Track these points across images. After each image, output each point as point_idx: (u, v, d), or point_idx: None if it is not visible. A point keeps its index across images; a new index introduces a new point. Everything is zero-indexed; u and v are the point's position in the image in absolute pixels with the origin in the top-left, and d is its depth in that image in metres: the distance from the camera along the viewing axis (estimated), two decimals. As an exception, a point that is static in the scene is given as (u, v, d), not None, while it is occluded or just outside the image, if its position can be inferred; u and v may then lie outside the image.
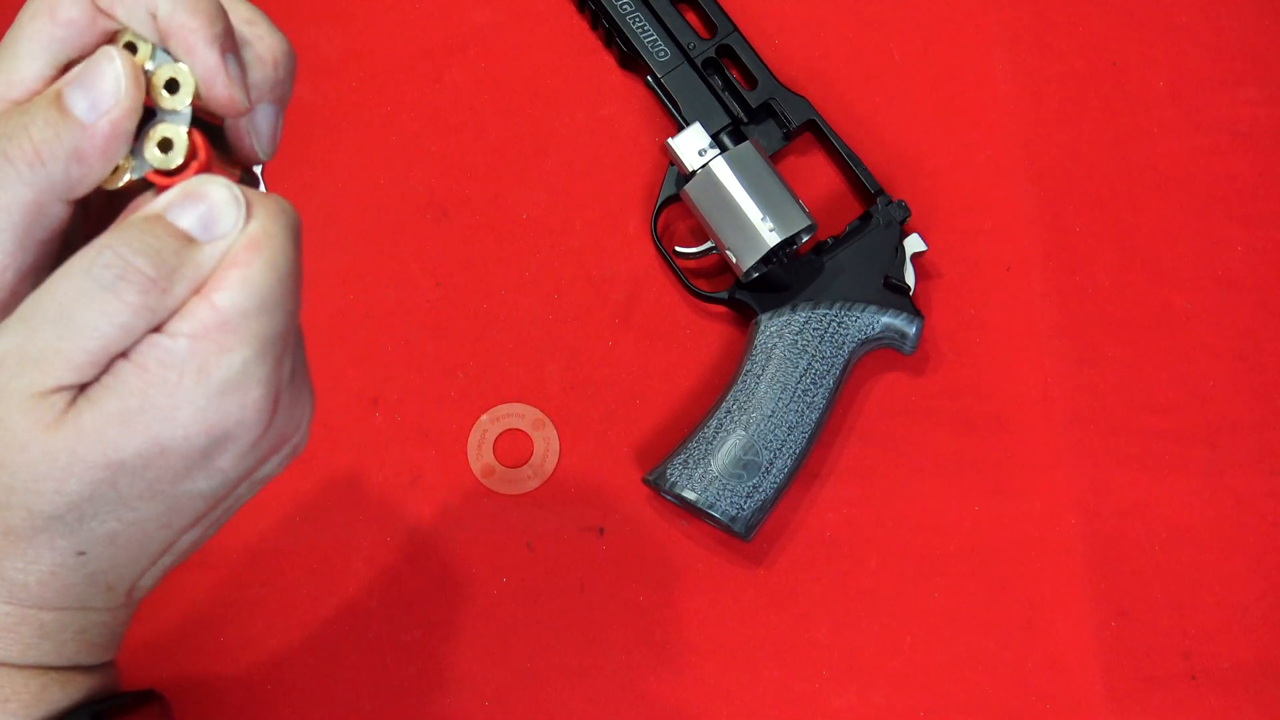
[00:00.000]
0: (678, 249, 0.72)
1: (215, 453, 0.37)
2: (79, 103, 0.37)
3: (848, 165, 0.72)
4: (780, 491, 0.67)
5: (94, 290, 0.35)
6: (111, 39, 0.39)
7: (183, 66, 0.38)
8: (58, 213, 0.37)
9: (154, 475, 0.37)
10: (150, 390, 0.35)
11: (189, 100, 0.39)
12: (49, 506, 0.36)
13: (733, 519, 0.66)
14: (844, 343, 0.68)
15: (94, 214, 0.40)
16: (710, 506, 0.66)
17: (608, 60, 0.75)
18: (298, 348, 0.40)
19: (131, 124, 0.37)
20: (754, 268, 0.68)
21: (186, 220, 0.37)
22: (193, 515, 0.39)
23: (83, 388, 0.36)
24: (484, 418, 0.71)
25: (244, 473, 0.39)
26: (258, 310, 0.36)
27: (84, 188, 0.37)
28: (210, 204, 0.37)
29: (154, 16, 0.38)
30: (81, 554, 0.38)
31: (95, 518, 0.37)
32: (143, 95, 0.38)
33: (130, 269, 0.35)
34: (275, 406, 0.38)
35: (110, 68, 0.37)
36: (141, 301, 0.35)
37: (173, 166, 0.38)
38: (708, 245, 0.71)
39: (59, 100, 0.36)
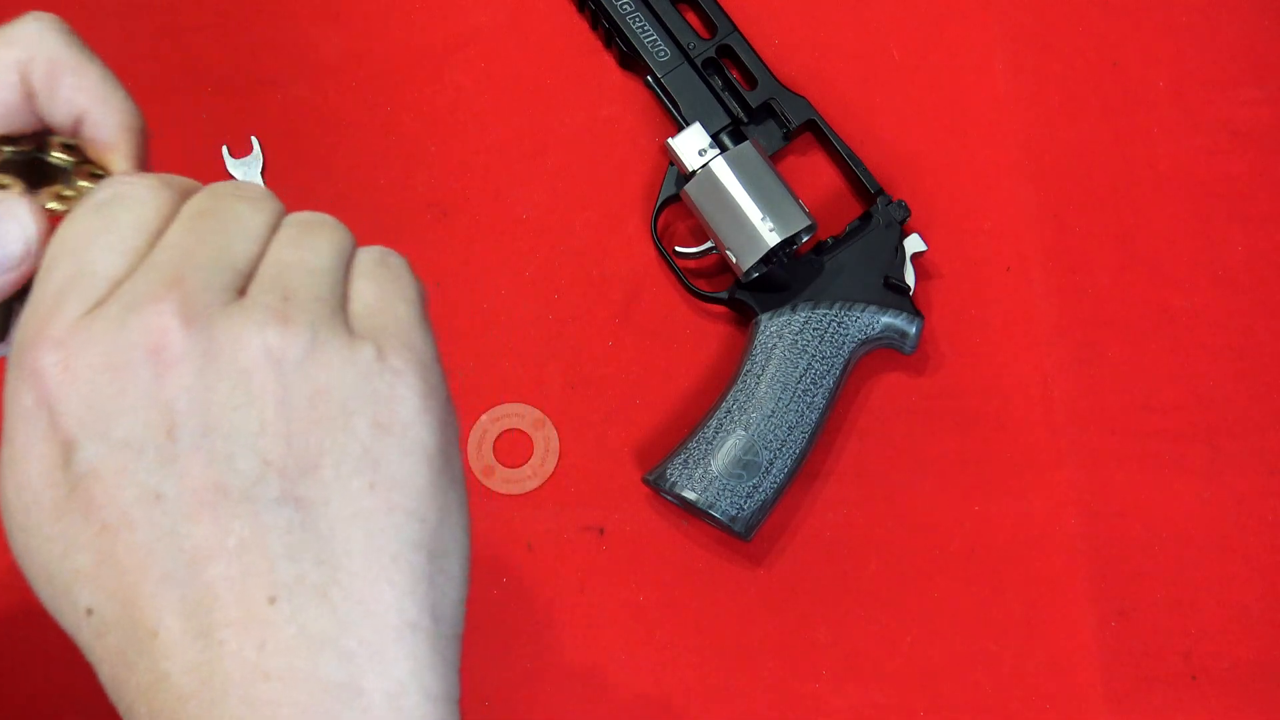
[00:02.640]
0: (678, 249, 0.72)
1: (21, 428, 0.34)
2: None
3: (848, 165, 0.72)
4: (780, 491, 0.67)
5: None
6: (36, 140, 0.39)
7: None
8: None
9: (15, 484, 0.35)
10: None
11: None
12: (35, 583, 0.36)
13: (733, 519, 0.66)
14: (844, 343, 0.68)
15: None
16: (710, 506, 0.66)
17: (608, 60, 0.75)
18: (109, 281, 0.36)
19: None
20: (754, 268, 0.68)
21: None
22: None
23: None
24: (484, 418, 0.71)
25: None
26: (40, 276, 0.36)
27: None
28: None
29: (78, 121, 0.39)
30: (90, 612, 0.35)
31: (52, 569, 0.35)
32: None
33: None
34: (40, 343, 0.34)
35: (19, 231, 0.36)
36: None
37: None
38: (708, 245, 0.71)
39: None
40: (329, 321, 0.35)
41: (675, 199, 0.72)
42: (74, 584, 0.33)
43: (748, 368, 0.68)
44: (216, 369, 0.33)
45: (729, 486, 0.66)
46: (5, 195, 0.37)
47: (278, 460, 0.33)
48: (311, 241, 0.37)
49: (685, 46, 0.72)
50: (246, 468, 0.33)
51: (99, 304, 0.34)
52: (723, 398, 0.68)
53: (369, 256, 0.38)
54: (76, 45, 0.39)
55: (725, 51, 0.73)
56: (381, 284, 0.37)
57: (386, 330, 0.36)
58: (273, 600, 0.33)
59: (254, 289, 0.35)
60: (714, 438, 0.67)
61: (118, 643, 0.34)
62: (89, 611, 0.34)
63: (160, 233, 0.35)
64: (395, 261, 0.39)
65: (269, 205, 0.37)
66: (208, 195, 0.37)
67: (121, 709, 0.35)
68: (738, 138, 0.71)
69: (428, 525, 0.35)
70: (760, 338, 0.68)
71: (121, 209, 0.35)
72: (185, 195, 0.37)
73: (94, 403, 0.33)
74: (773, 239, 0.67)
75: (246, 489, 0.33)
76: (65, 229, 0.36)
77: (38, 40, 0.39)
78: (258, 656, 0.32)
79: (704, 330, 0.72)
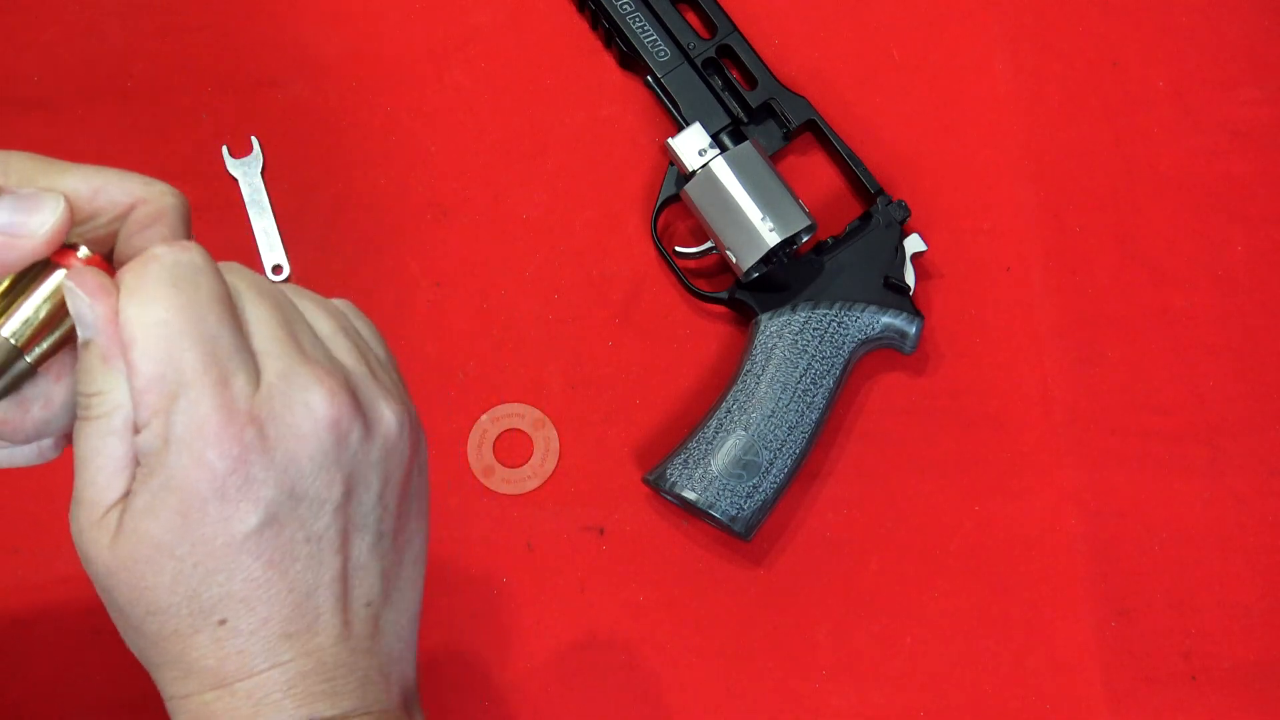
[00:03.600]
0: (678, 249, 0.72)
1: (225, 491, 0.40)
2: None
3: (848, 165, 0.72)
4: (780, 491, 0.67)
5: (81, 427, 0.41)
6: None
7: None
8: None
9: (195, 536, 0.40)
10: (149, 476, 0.40)
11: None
12: (159, 603, 0.41)
13: (733, 519, 0.66)
14: (844, 343, 0.68)
15: None
16: (710, 506, 0.66)
17: (608, 60, 0.75)
18: (243, 353, 0.42)
19: None
20: (754, 268, 0.68)
21: (88, 334, 0.41)
22: (277, 552, 0.42)
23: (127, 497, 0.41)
24: (484, 418, 0.71)
25: (260, 496, 0.41)
26: (164, 365, 0.40)
27: None
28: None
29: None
30: (224, 622, 0.42)
31: (200, 591, 0.41)
32: None
33: (85, 400, 0.41)
34: (236, 419, 0.40)
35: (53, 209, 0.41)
36: (111, 424, 0.41)
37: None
38: (708, 245, 0.71)
39: None
40: (401, 393, 0.45)
41: (675, 199, 0.72)
42: (217, 603, 0.41)
43: (748, 368, 0.68)
44: (370, 437, 0.42)
45: (729, 486, 0.66)
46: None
47: (386, 504, 0.43)
48: (376, 338, 0.47)
49: (685, 46, 0.72)
50: (368, 511, 0.43)
51: (257, 381, 0.41)
52: (723, 398, 0.68)
53: (364, 324, 0.47)
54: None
55: (725, 51, 0.73)
56: (384, 349, 0.47)
57: (405, 393, 0.46)
58: (367, 604, 0.43)
59: (353, 369, 0.43)
60: (714, 438, 0.67)
61: (242, 645, 0.42)
62: (222, 622, 0.42)
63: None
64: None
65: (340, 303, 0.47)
66: (257, 287, 0.43)
67: (208, 697, 0.43)
68: (738, 138, 0.71)
69: (427, 538, 0.47)
70: (760, 338, 0.68)
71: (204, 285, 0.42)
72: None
73: (288, 469, 0.41)
74: (773, 239, 0.67)
75: (364, 525, 0.43)
76: (166, 308, 0.41)
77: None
78: (352, 641, 0.43)
79: (704, 330, 0.72)
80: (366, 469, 0.42)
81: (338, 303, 0.47)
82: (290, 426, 0.41)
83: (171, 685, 0.44)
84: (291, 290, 0.45)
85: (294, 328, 0.43)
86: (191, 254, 0.41)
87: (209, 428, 0.40)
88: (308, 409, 0.41)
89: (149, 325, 0.40)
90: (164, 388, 0.40)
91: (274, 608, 0.42)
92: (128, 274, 0.40)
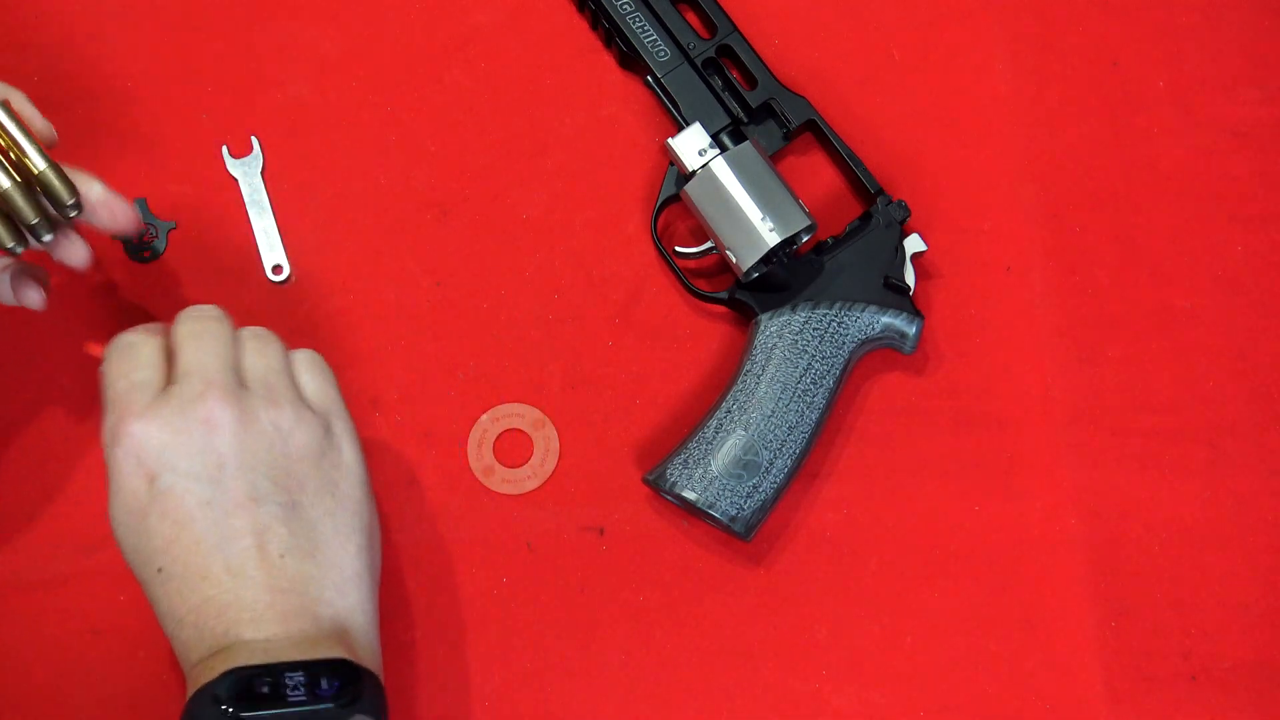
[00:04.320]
0: (678, 249, 0.72)
1: (128, 469, 0.57)
2: None
3: (848, 165, 0.72)
4: (780, 491, 0.67)
5: None
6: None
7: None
8: None
9: (119, 505, 0.57)
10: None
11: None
12: (128, 561, 0.58)
13: (733, 519, 0.66)
14: (844, 343, 0.68)
15: None
16: (710, 506, 0.66)
17: (608, 60, 0.75)
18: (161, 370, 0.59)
19: None
20: (754, 268, 0.68)
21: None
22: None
23: None
24: (484, 418, 0.71)
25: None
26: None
27: None
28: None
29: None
30: (160, 570, 0.56)
31: (140, 546, 0.57)
32: None
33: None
34: (135, 417, 0.56)
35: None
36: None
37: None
38: (708, 245, 0.71)
39: None
40: (297, 404, 0.59)
41: (675, 199, 0.72)
42: (152, 555, 0.56)
43: (748, 368, 0.68)
44: (246, 435, 0.57)
45: (729, 486, 0.66)
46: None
47: (282, 482, 0.57)
48: (269, 348, 0.60)
49: (685, 46, 0.72)
50: (265, 487, 0.56)
51: (155, 399, 0.57)
52: (723, 398, 0.68)
53: (303, 357, 0.62)
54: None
55: (725, 51, 0.73)
56: (316, 376, 0.61)
57: (327, 407, 0.61)
58: (282, 556, 0.56)
59: (250, 384, 0.58)
60: (714, 438, 0.67)
61: (177, 586, 0.55)
62: (159, 570, 0.55)
63: (161, 351, 0.59)
64: (318, 357, 0.62)
65: (228, 321, 0.60)
66: (190, 321, 0.60)
67: (170, 628, 0.56)
68: (738, 138, 0.71)
69: (363, 518, 0.60)
70: (760, 338, 0.68)
71: (138, 347, 0.59)
72: (164, 331, 0.60)
73: (168, 450, 0.56)
74: (773, 239, 0.67)
75: (263, 497, 0.56)
76: (109, 362, 0.59)
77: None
78: (269, 583, 0.55)
79: (704, 330, 0.72)
80: (247, 454, 0.56)
81: (300, 353, 0.62)
82: (173, 418, 0.56)
83: (164, 628, 0.56)
84: (248, 331, 0.61)
85: (208, 356, 0.58)
86: (131, 338, 0.60)
87: (112, 427, 0.56)
88: (184, 404, 0.56)
89: (106, 368, 0.59)
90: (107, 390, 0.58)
91: (190, 555, 0.55)
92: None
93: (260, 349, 0.60)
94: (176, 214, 0.73)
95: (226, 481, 0.55)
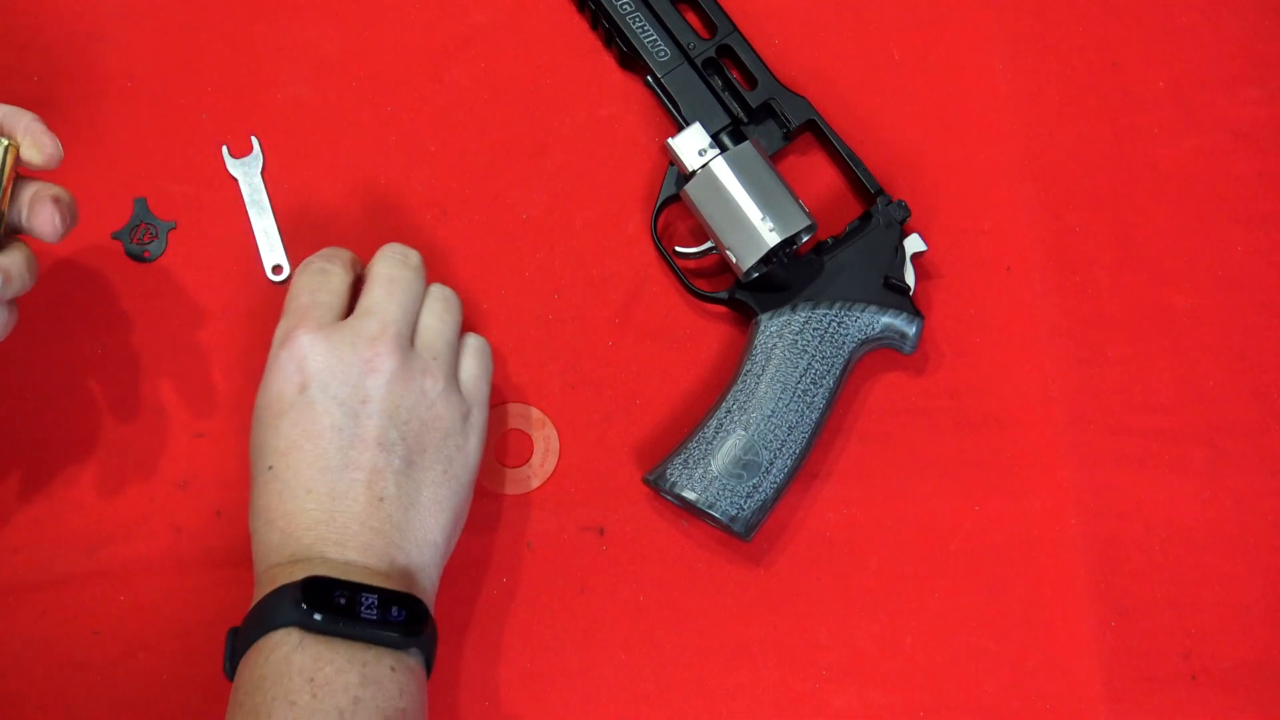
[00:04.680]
0: (678, 249, 0.72)
1: (283, 366, 0.61)
2: None
3: (848, 165, 0.72)
4: (780, 491, 0.67)
5: None
6: None
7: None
8: None
9: (262, 399, 0.62)
10: None
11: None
12: (251, 447, 0.63)
13: (733, 519, 0.66)
14: (844, 343, 0.68)
15: None
16: (710, 506, 0.66)
17: (608, 60, 0.75)
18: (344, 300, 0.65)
19: None
20: (754, 268, 0.68)
21: None
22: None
23: None
24: (484, 418, 0.71)
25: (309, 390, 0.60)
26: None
27: None
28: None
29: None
30: (271, 468, 0.60)
31: (262, 442, 0.61)
32: None
33: None
34: (308, 326, 0.61)
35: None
36: None
37: None
38: (708, 245, 0.71)
39: None
40: (451, 380, 0.63)
41: (675, 199, 0.72)
42: (272, 453, 0.60)
43: (748, 368, 0.68)
44: (397, 387, 0.61)
45: (729, 486, 0.66)
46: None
47: (410, 440, 0.61)
48: (449, 317, 0.64)
49: (685, 46, 0.72)
50: (393, 437, 0.60)
51: (333, 322, 0.62)
52: (723, 398, 0.68)
53: (474, 343, 0.66)
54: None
55: (725, 51, 0.73)
56: (477, 364, 0.65)
57: (474, 397, 0.64)
58: (381, 500, 0.59)
59: (419, 344, 0.63)
60: (714, 438, 0.67)
61: (279, 488, 0.59)
62: (270, 467, 0.60)
63: (349, 286, 0.64)
64: (487, 349, 0.66)
65: (423, 276, 0.65)
66: (391, 264, 0.64)
67: (257, 525, 0.60)
68: (738, 138, 0.71)
69: (459, 499, 0.63)
70: (760, 338, 0.68)
71: (331, 274, 0.64)
72: (354, 264, 0.66)
73: (327, 370, 0.60)
74: (773, 239, 0.67)
75: (389, 445, 0.60)
76: (302, 276, 0.64)
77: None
78: (363, 518, 0.59)
79: (704, 330, 0.72)
80: (390, 404, 0.60)
81: (471, 337, 0.66)
82: (341, 345, 0.60)
83: (251, 524, 0.61)
84: (438, 290, 0.65)
85: (394, 306, 0.62)
86: (325, 263, 0.65)
87: (285, 332, 0.61)
88: (356, 338, 0.61)
89: (297, 281, 0.65)
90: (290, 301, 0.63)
91: (304, 467, 0.59)
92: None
93: (441, 314, 0.64)
94: (176, 214, 0.73)
95: (364, 418, 0.60)
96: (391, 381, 0.60)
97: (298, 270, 0.64)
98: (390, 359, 0.60)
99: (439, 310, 0.64)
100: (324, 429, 0.59)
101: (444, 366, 0.62)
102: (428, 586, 0.61)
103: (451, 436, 0.62)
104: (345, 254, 0.65)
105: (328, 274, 0.63)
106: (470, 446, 0.63)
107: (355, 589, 0.56)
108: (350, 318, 0.62)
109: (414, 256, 0.64)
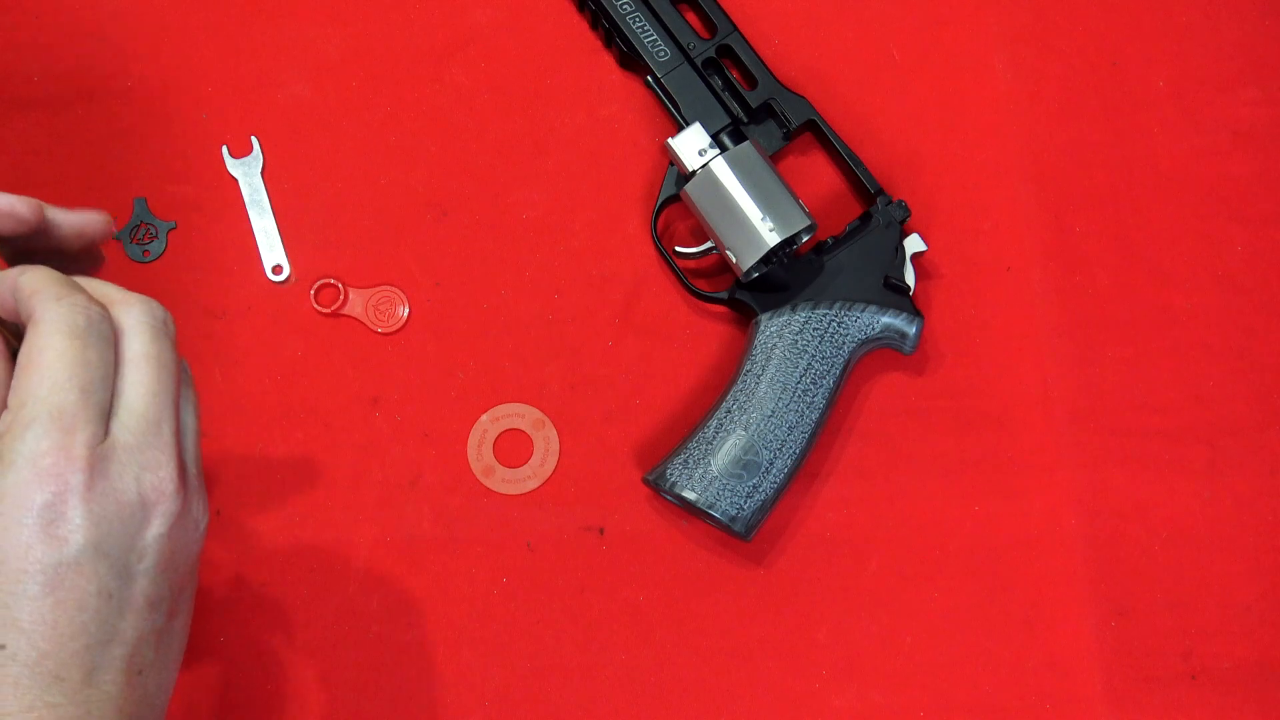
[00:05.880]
0: (678, 249, 0.72)
1: (37, 520, 0.44)
2: None
3: (848, 165, 0.72)
4: (780, 491, 0.67)
5: None
6: None
7: None
8: None
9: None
10: None
11: None
12: None
13: (733, 519, 0.66)
14: (844, 343, 0.68)
15: None
16: (710, 506, 0.66)
17: (608, 60, 0.75)
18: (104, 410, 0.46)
19: None
20: (754, 268, 0.68)
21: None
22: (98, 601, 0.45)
23: None
24: (484, 418, 0.71)
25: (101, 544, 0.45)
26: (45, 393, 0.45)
27: None
28: None
29: None
30: (3, 647, 0.44)
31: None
32: None
33: None
34: (71, 462, 0.44)
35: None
36: None
37: None
38: (708, 245, 0.71)
39: None
40: (202, 488, 0.50)
41: (675, 199, 0.72)
42: (9, 627, 0.44)
43: (748, 368, 0.68)
44: (176, 531, 0.47)
45: (729, 486, 0.66)
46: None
47: (176, 590, 0.48)
48: (194, 406, 0.51)
49: (685, 46, 0.72)
50: (165, 592, 0.47)
51: (104, 444, 0.45)
52: (723, 398, 0.68)
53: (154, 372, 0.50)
54: None
55: (725, 51, 0.73)
56: (190, 418, 0.51)
57: (194, 463, 0.51)
58: (140, 672, 0.47)
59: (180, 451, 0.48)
60: (714, 438, 0.67)
61: (17, 677, 0.44)
62: (2, 647, 0.44)
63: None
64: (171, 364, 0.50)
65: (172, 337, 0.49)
66: (150, 338, 0.47)
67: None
68: (738, 138, 0.71)
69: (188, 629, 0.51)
70: (760, 338, 0.68)
71: (98, 342, 0.46)
72: (108, 318, 0.47)
73: (100, 523, 0.44)
74: (773, 239, 0.67)
75: (157, 603, 0.47)
76: (64, 346, 0.45)
77: None
78: (122, 703, 0.46)
79: (704, 330, 0.72)
80: (172, 553, 0.47)
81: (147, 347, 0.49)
82: (117, 490, 0.45)
83: None
84: (188, 381, 0.50)
85: (162, 409, 0.47)
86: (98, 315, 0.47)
87: (43, 449, 0.44)
88: (138, 482, 0.46)
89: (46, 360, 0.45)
90: (25, 412, 0.44)
91: (54, 647, 0.44)
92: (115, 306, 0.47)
93: (192, 401, 0.51)
94: (176, 214, 0.73)
95: (138, 578, 0.47)
96: (174, 526, 0.47)
97: (49, 318, 0.46)
98: (175, 498, 0.47)
99: (189, 395, 0.50)
100: (89, 596, 0.45)
101: (194, 465, 0.49)
102: None
103: (197, 564, 0.50)
104: (90, 308, 0.47)
105: (92, 343, 0.46)
106: (198, 548, 0.50)
107: None
108: (116, 426, 0.46)
109: (171, 323, 0.49)
